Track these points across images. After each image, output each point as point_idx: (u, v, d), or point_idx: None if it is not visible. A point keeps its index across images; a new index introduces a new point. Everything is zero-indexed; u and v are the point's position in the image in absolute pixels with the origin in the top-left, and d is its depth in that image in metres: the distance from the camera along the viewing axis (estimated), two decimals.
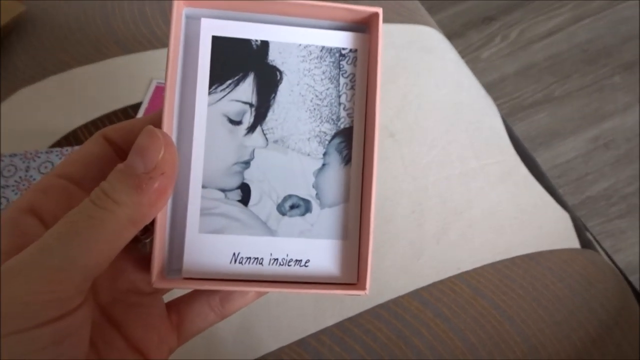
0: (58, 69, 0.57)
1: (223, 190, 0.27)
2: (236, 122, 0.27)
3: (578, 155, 1.16)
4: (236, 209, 0.27)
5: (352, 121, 0.27)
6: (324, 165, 0.27)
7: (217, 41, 0.27)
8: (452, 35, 1.31)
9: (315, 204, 0.27)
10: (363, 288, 0.26)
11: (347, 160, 0.27)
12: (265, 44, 0.27)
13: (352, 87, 0.27)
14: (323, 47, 0.27)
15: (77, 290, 0.20)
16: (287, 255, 0.27)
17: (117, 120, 0.54)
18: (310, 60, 0.27)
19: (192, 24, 0.26)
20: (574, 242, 0.45)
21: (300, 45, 0.27)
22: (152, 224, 0.25)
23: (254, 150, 0.27)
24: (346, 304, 0.43)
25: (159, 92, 0.55)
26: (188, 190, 0.26)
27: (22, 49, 0.59)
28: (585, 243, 0.46)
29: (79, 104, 0.55)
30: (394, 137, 0.50)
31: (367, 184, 0.27)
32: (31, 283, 0.19)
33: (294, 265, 0.27)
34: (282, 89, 0.27)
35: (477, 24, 1.34)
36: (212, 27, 0.27)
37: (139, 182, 0.21)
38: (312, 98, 0.27)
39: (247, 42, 0.27)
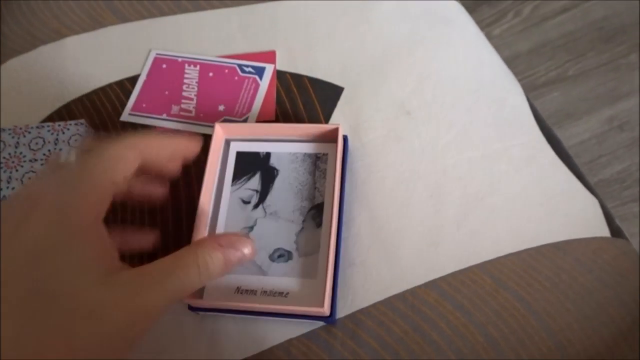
0: (49, 38, 0.53)
1: None
2: (247, 202, 0.41)
3: (592, 137, 1.12)
4: None
5: (322, 199, 0.41)
6: (302, 228, 0.40)
7: (239, 155, 0.43)
8: None
9: (295, 254, 0.39)
10: (322, 306, 0.36)
11: (318, 224, 0.40)
12: (268, 154, 0.43)
13: (324, 177, 0.41)
14: (305, 154, 0.42)
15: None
16: (273, 289, 0.38)
17: (112, 93, 0.50)
18: (297, 161, 0.42)
19: (225, 145, 0.44)
20: (603, 231, 0.42)
21: (290, 153, 0.42)
22: None
23: (256, 219, 0.41)
24: (358, 294, 0.40)
25: (158, 63, 0.51)
26: None
27: (11, 16, 0.55)
28: (615, 231, 0.43)
29: (73, 76, 0.51)
30: (410, 115, 0.46)
31: (330, 241, 0.38)
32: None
33: (277, 296, 0.38)
34: (278, 181, 0.42)
35: None
36: (237, 147, 0.44)
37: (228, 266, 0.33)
38: (297, 185, 0.41)
39: (257, 153, 0.43)
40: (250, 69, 0.49)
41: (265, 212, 0.41)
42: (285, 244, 0.39)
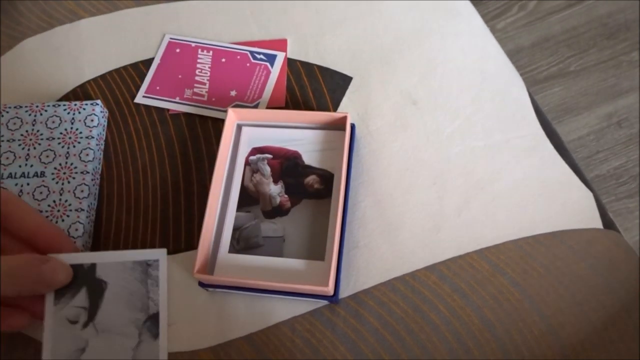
0: (66, 18, 0.55)
1: None
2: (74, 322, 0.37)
3: (590, 132, 1.14)
4: None
5: (157, 308, 0.37)
6: (139, 342, 0.37)
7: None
8: None
9: None
10: (326, 285, 0.38)
11: (155, 336, 0.37)
12: (93, 265, 0.38)
13: (157, 285, 0.38)
14: (134, 261, 0.38)
15: None
16: None
17: (127, 75, 0.51)
18: (125, 271, 0.38)
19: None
20: (597, 222, 0.44)
21: (118, 262, 0.38)
22: None
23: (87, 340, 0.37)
24: (361, 275, 0.42)
25: (172, 48, 0.52)
26: None
27: None
28: (608, 224, 0.45)
29: (89, 57, 0.53)
30: (417, 105, 0.48)
31: (336, 223, 0.40)
32: None
33: None
34: (107, 294, 0.37)
35: None
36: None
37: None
38: (127, 296, 0.37)
39: (80, 266, 0.37)
40: (261, 56, 0.51)
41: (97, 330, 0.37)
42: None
